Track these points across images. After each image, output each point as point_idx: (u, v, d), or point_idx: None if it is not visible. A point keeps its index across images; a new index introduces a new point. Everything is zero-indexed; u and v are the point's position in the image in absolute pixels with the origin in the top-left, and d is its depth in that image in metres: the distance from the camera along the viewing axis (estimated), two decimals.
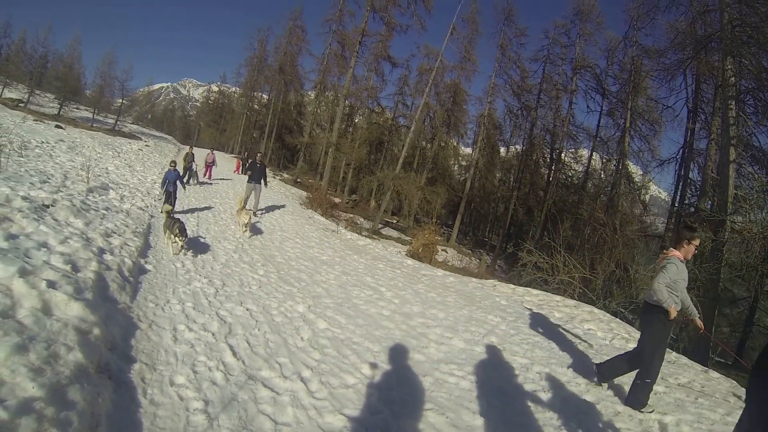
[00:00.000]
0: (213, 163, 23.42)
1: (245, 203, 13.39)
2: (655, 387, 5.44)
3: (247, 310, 6.37)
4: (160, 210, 11.05)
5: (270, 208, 16.93)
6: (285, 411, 4.00)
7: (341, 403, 4.27)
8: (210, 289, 6.93)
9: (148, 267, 7.34)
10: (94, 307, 4.52)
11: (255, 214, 14.41)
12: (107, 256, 6.57)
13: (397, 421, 4.06)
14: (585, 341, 7.22)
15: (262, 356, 5.00)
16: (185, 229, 8.49)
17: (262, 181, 14.84)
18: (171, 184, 11.90)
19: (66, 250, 5.88)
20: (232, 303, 6.52)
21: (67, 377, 3.21)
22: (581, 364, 6.02)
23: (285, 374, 4.66)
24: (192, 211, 13.52)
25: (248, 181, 14.69)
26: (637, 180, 27.83)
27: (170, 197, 11.85)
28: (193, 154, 20.58)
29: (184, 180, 17.86)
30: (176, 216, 9.58)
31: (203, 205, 14.97)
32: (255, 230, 12.39)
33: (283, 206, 18.28)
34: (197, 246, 9.27)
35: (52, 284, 4.50)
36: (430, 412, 4.29)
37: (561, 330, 7.66)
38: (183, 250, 8.53)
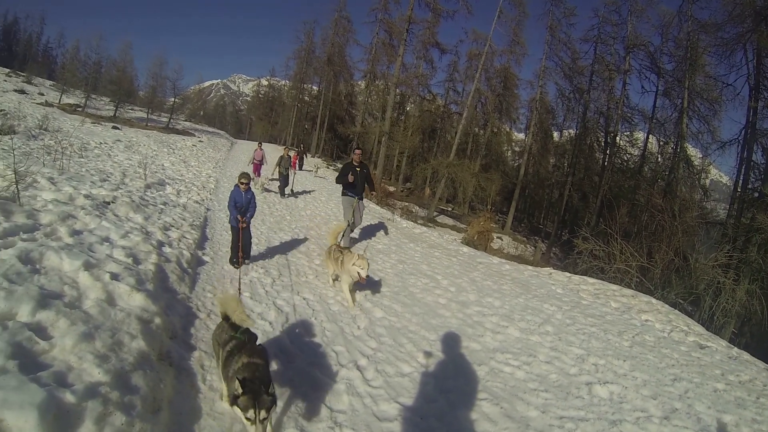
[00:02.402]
0: (262, 161, 19.06)
1: (347, 234, 9.47)
2: (714, 384, 5.21)
3: (304, 299, 6.50)
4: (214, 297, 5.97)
5: (325, 198, 17.24)
6: (341, 399, 4.09)
7: (397, 392, 4.32)
8: (267, 279, 7.12)
9: (206, 258, 7.64)
10: (155, 298, 4.77)
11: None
12: (166, 249, 6.88)
13: (452, 410, 4.08)
14: (643, 333, 6.95)
15: (319, 345, 5.11)
16: (267, 380, 3.00)
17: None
18: (236, 218, 7.40)
19: (127, 244, 6.20)
20: (289, 292, 6.67)
21: (131, 364, 3.41)
22: (638, 357, 5.82)
23: (341, 362, 4.76)
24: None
25: (346, 194, 9.89)
26: (696, 163, 26.45)
27: (237, 241, 7.32)
28: (289, 157, 17.11)
29: (284, 191, 16.45)
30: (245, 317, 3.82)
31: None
32: (312, 218, 12.69)
33: (338, 196, 18.38)
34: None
35: (115, 276, 4.77)
36: (485, 402, 4.29)
37: (617, 321, 7.40)
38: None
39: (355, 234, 10.81)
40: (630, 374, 5.22)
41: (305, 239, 10.16)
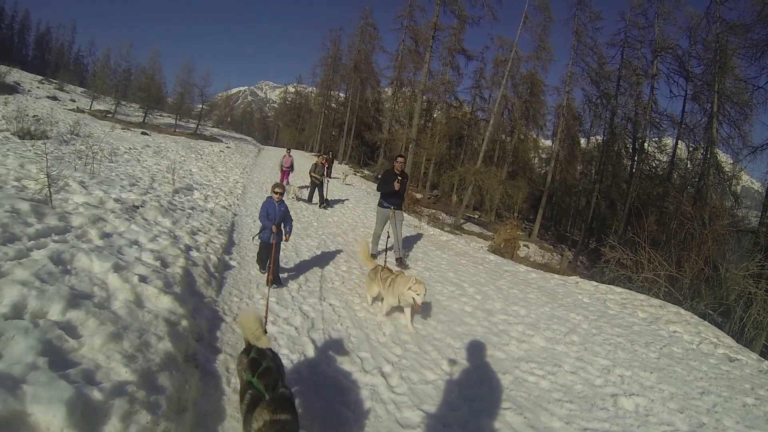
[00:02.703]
0: (290, 167, 18.61)
1: (374, 243, 9.39)
2: (743, 398, 5.06)
3: (330, 305, 6.53)
4: (237, 320, 5.15)
5: (353, 205, 17.33)
6: (364, 404, 4.10)
7: (420, 399, 4.32)
8: (293, 285, 7.17)
9: (233, 263, 7.73)
10: (182, 301, 4.87)
11: (401, 262, 9.27)
12: (194, 253, 7.02)
13: (475, 419, 4.06)
14: (671, 344, 6.78)
15: (344, 351, 5.13)
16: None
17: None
18: (270, 231, 6.77)
19: (155, 248, 6.35)
20: (315, 298, 6.71)
21: (158, 364, 3.48)
22: (665, 369, 5.68)
23: (366, 369, 4.77)
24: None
25: (382, 204, 9.39)
26: (727, 169, 25.54)
27: (267, 258, 6.86)
28: (324, 165, 16.15)
29: (321, 201, 15.66)
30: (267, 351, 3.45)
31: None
32: (339, 224, 12.76)
33: (365, 203, 18.56)
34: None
35: (143, 279, 4.91)
36: (508, 412, 4.25)
37: (645, 331, 7.24)
38: None
39: (401, 253, 9.64)
40: (657, 386, 5.10)
41: (332, 246, 10.19)
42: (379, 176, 35.47)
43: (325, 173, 16.18)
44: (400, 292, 5.74)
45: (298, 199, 15.94)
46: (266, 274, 6.79)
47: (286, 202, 7.47)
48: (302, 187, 17.29)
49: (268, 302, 5.17)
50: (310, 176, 15.87)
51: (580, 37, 34.20)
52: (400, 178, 9.06)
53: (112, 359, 3.23)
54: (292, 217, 7.12)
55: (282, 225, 7.03)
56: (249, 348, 3.37)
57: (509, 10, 35.13)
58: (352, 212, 15.70)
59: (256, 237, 7.19)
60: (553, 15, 34.81)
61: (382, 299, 6.27)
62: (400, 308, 6.20)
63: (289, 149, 20.95)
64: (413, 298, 5.58)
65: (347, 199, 18.28)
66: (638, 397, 4.75)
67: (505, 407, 4.32)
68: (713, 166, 25.00)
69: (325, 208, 15.42)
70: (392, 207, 9.18)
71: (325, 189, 16.02)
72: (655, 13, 30.47)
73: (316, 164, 15.89)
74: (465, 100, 43.55)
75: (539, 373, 5.12)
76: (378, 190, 9.51)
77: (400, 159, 9.41)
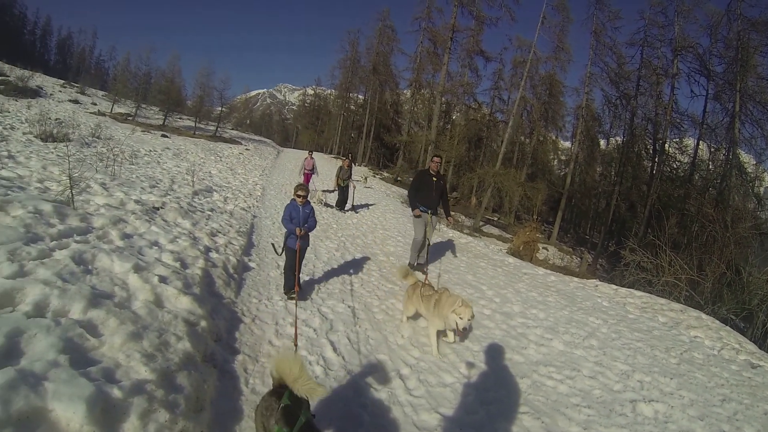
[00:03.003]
0: (313, 170, 18.05)
1: (414, 251, 8.99)
2: (765, 406, 5.00)
3: (349, 307, 6.54)
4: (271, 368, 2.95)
5: (372, 207, 17.39)
6: (381, 407, 4.10)
7: (438, 402, 4.31)
8: (312, 287, 7.19)
9: (252, 265, 7.80)
10: (201, 301, 4.94)
11: (421, 268, 8.58)
12: (213, 254, 7.10)
13: (492, 423, 4.05)
14: (691, 350, 6.66)
15: (362, 353, 5.13)
16: None
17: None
18: (295, 236, 6.33)
19: (175, 249, 6.44)
20: (334, 300, 6.73)
21: (176, 364, 3.53)
22: (686, 375, 5.58)
23: (384, 371, 4.76)
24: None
25: (419, 209, 8.55)
26: (749, 170, 25.27)
27: (294, 266, 6.20)
28: (349, 168, 15.72)
29: (343, 204, 15.31)
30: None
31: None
32: (358, 226, 12.80)
33: (384, 204, 18.62)
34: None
35: (163, 279, 4.99)
36: (526, 416, 4.23)
37: (665, 336, 7.12)
38: None
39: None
40: (677, 393, 5.01)
41: (351, 248, 10.23)
42: (398, 178, 35.92)
43: (351, 176, 15.69)
44: (445, 315, 5.11)
45: (323, 204, 15.47)
46: (292, 295, 6.31)
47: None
48: (326, 191, 16.87)
49: (297, 324, 4.53)
50: (337, 180, 15.33)
51: (598, 37, 33.97)
52: (435, 180, 8.54)
53: (131, 358, 3.28)
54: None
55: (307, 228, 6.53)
56: (280, 390, 2.67)
57: (527, 10, 35.32)
58: (372, 214, 15.72)
59: (281, 252, 6.66)
60: (571, 15, 34.83)
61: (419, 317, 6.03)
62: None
63: (310, 151, 20.60)
64: (455, 322, 4.98)
65: (367, 202, 18.31)
66: (658, 404, 4.68)
67: (522, 411, 4.30)
68: (735, 167, 24.68)
69: (344, 211, 15.05)
70: (429, 211, 8.55)
71: (351, 193, 15.69)
72: (675, 12, 30.10)
73: (341, 167, 15.42)
74: (484, 101, 43.62)
75: (557, 378, 5.08)
76: (408, 194, 8.93)
77: (436, 159, 8.74)
